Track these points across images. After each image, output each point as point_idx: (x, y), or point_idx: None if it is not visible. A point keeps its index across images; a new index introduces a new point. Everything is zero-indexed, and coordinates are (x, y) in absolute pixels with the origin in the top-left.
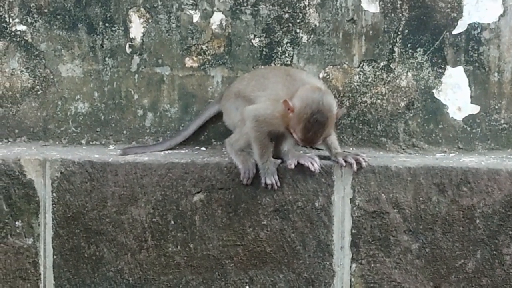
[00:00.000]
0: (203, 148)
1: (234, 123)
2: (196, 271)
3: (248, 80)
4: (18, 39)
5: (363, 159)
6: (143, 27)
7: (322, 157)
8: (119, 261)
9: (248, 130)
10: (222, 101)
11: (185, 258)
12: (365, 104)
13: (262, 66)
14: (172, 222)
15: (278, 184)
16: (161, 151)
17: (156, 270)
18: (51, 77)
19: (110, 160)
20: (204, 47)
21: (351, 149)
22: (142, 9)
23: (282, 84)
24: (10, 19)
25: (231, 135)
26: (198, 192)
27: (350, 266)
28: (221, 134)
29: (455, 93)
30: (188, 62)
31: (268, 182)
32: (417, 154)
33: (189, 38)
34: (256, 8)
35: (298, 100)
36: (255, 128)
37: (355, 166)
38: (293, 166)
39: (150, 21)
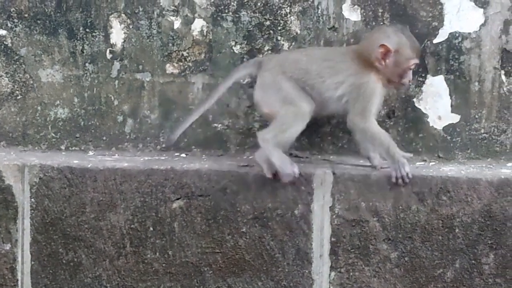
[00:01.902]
0: (183, 155)
1: (270, 106)
2: (174, 278)
3: (306, 64)
4: None
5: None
6: (124, 33)
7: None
8: (97, 268)
9: (367, 129)
10: (261, 71)
11: (164, 265)
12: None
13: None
14: (151, 228)
15: (410, 176)
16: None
17: (134, 277)
18: (31, 82)
19: (89, 166)
20: (185, 53)
21: (331, 157)
22: (123, 15)
23: (350, 58)
24: None
25: (266, 129)
26: (178, 199)
27: (329, 274)
28: (201, 140)
29: (436, 102)
30: (169, 68)
31: (398, 175)
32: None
33: (170, 45)
34: (237, 15)
35: (385, 41)
36: (369, 124)
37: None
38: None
39: (131, 27)
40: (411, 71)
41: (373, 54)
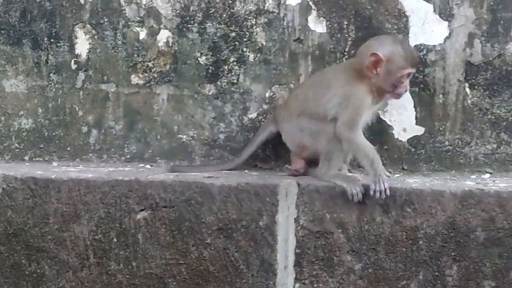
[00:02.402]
0: (148, 166)
1: (303, 147)
2: None
3: (304, 93)
4: None
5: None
6: (89, 43)
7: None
8: (60, 279)
9: (351, 140)
10: (281, 123)
11: (128, 276)
12: None
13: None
14: (115, 240)
15: (388, 192)
16: (209, 171)
17: None
18: None
19: (53, 177)
20: (150, 64)
21: None
22: (88, 25)
23: (344, 71)
24: None
25: (319, 168)
26: (142, 210)
27: (294, 286)
28: (166, 151)
29: (401, 114)
30: (134, 79)
31: (378, 188)
32: (362, 174)
33: (135, 55)
34: (203, 26)
35: (378, 49)
36: (354, 135)
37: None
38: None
39: (96, 37)
40: (407, 80)
41: (364, 63)
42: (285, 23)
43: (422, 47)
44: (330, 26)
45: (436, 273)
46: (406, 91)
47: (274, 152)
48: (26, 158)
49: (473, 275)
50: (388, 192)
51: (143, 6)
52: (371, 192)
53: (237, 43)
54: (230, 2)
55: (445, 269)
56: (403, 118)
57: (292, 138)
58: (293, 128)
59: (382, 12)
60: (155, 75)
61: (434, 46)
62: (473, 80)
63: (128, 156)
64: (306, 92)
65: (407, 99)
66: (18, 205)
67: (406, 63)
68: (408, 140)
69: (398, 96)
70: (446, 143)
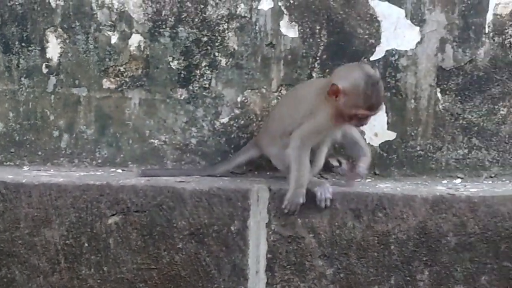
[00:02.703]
0: (119, 170)
1: (285, 167)
2: None
3: (279, 112)
4: None
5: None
6: (60, 47)
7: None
8: (31, 284)
9: (291, 151)
10: (266, 148)
11: (99, 281)
12: None
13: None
14: (86, 244)
15: (295, 215)
16: (178, 175)
17: None
18: None
19: (24, 181)
20: (122, 68)
21: (267, 173)
22: (60, 29)
23: (315, 91)
24: None
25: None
26: (113, 215)
27: None
28: (137, 156)
29: (372, 119)
30: (106, 83)
31: (288, 208)
32: (333, 179)
33: (107, 59)
34: (174, 31)
35: (342, 80)
36: (299, 147)
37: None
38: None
39: (67, 41)
40: (366, 119)
41: (327, 88)
42: (257, 28)
43: (394, 52)
44: (302, 31)
45: (408, 278)
46: (363, 125)
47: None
48: None
49: (445, 280)
50: (296, 213)
51: (114, 10)
52: (282, 206)
53: (209, 47)
54: (202, 6)
55: (417, 274)
56: (374, 123)
57: (281, 161)
58: (279, 152)
59: (354, 17)
60: (127, 79)
61: (406, 51)
62: (445, 85)
63: (99, 161)
64: (281, 111)
65: None
66: None
67: (363, 104)
68: (379, 145)
69: (358, 126)
70: (418, 148)
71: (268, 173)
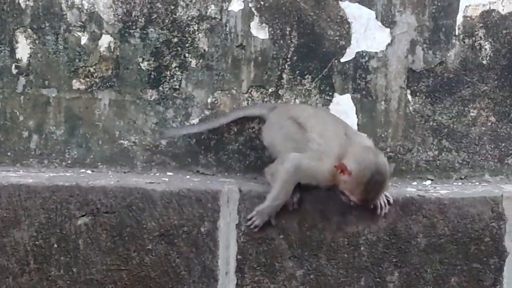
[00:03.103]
0: (89, 171)
1: (273, 145)
2: None
3: (309, 114)
4: None
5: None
6: (30, 48)
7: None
8: (0, 285)
9: (282, 172)
10: (271, 114)
11: (68, 282)
12: (253, 129)
13: (321, 106)
14: (56, 245)
15: (257, 230)
16: (197, 132)
17: None
18: None
19: None
20: (91, 69)
21: (238, 174)
22: (29, 30)
23: (338, 142)
24: None
25: (271, 164)
26: (83, 216)
27: None
28: (107, 157)
29: (343, 120)
30: (75, 84)
31: (256, 222)
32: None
33: (77, 60)
34: (145, 32)
35: (354, 163)
36: (291, 176)
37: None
38: None
39: (37, 42)
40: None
41: (341, 160)
42: (227, 29)
43: (364, 54)
44: (272, 32)
45: (378, 279)
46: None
47: (216, 157)
48: None
49: (414, 281)
50: (256, 229)
51: (84, 11)
52: (248, 217)
53: (179, 48)
54: (172, 7)
55: (387, 275)
56: None
57: (270, 132)
58: (278, 124)
59: (325, 19)
60: (97, 80)
61: (376, 53)
62: (415, 87)
63: (69, 161)
64: (309, 119)
65: (348, 106)
66: None
67: (358, 195)
68: None
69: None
70: (388, 149)
71: (238, 174)
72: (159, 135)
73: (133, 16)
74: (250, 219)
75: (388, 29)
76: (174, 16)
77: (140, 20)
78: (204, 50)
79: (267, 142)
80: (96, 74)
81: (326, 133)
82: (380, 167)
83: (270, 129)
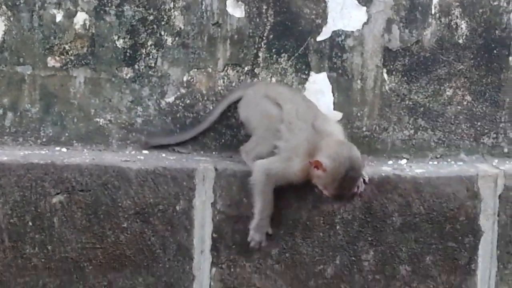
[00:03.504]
0: (64, 149)
1: (248, 121)
2: (53, 274)
3: (286, 98)
4: None
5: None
6: (5, 25)
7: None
8: None
9: (255, 182)
10: (249, 89)
11: (43, 260)
12: (229, 108)
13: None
14: (30, 223)
15: (264, 244)
16: (187, 140)
17: (12, 272)
18: None
19: None
20: (67, 47)
21: (213, 153)
22: (4, 7)
23: (306, 136)
24: None
25: (246, 143)
26: (58, 194)
27: (210, 270)
28: (82, 135)
29: (318, 99)
30: (51, 61)
31: (255, 238)
32: None
33: (52, 38)
34: (120, 9)
35: (328, 159)
36: (265, 184)
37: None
38: None
39: (11, 19)
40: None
41: (312, 156)
42: (203, 7)
43: (340, 32)
44: (248, 10)
45: (353, 258)
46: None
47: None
48: None
49: (390, 259)
50: (264, 244)
51: None
52: (249, 239)
53: (155, 26)
54: None
55: (362, 254)
56: (321, 104)
57: (247, 107)
58: (254, 100)
59: None
60: (72, 58)
61: (353, 31)
62: (391, 66)
63: (44, 139)
64: (289, 102)
65: (324, 84)
66: None
67: (333, 190)
68: None
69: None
70: (364, 128)
71: (214, 152)
72: (144, 145)
73: None
74: (251, 240)
75: (365, 8)
76: None
77: None
78: (180, 28)
79: (243, 117)
80: (71, 51)
81: (296, 126)
82: (354, 163)
83: (247, 105)
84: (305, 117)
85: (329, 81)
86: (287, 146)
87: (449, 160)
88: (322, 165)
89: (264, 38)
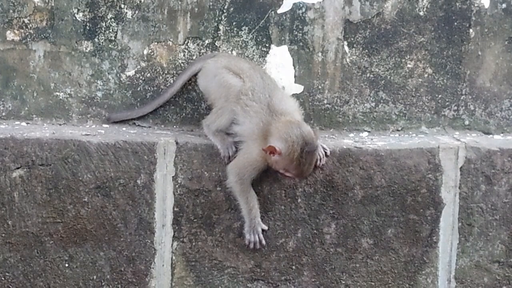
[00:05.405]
0: (24, 123)
1: (208, 91)
2: (14, 248)
3: (244, 74)
4: None
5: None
6: None
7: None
8: None
9: (231, 185)
10: (209, 60)
11: (3, 235)
12: (190, 81)
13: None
14: None
15: (263, 242)
16: (149, 112)
17: None
18: None
19: None
20: (26, 20)
21: (174, 127)
22: None
23: (260, 119)
24: None
25: (207, 116)
26: (18, 168)
27: (172, 244)
28: (42, 109)
29: (279, 72)
30: (10, 35)
31: (252, 239)
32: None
33: (11, 11)
34: None
35: (280, 142)
36: (241, 184)
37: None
38: None
39: None
40: (290, 179)
41: (266, 140)
42: None
43: (301, 5)
44: None
45: (315, 231)
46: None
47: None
48: None
49: (351, 232)
50: (263, 242)
51: None
52: (246, 242)
53: None
54: None
55: (324, 227)
56: (282, 76)
57: (206, 79)
58: (213, 71)
59: None
60: (31, 31)
61: (313, 4)
62: (352, 39)
63: (3, 114)
64: (249, 77)
65: (285, 57)
66: None
67: (293, 170)
68: None
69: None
70: (325, 101)
71: (175, 126)
72: (106, 120)
73: None
74: (249, 243)
75: None
76: None
77: None
78: (140, 1)
79: (203, 88)
80: (30, 25)
81: (251, 108)
82: (307, 138)
83: (206, 76)
84: (260, 97)
85: (290, 54)
86: (242, 130)
87: (410, 132)
88: (276, 149)
89: (224, 11)
